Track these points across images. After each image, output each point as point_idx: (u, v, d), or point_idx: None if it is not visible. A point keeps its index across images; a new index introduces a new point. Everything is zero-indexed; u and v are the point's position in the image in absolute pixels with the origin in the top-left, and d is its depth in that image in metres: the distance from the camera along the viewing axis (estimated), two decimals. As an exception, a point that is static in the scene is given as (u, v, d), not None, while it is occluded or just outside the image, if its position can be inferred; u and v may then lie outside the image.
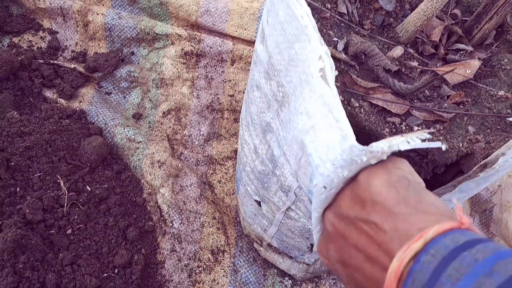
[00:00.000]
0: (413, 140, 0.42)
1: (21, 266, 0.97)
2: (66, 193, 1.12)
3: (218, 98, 1.48)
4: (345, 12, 0.80)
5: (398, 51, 0.79)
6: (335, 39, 0.78)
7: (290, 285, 1.25)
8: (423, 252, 0.34)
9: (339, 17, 0.80)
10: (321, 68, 0.50)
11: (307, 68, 0.56)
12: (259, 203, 1.14)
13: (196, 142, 1.42)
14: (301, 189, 0.77)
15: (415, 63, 0.79)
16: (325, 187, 0.50)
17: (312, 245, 1.14)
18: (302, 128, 0.56)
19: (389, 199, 0.40)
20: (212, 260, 1.22)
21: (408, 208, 0.39)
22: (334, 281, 1.28)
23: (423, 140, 0.42)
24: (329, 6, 0.81)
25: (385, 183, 0.42)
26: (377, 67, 0.75)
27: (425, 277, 0.33)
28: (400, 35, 0.80)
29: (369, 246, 0.40)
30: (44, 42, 1.47)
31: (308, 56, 0.57)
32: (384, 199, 0.40)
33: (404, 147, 0.41)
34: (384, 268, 0.38)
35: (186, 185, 1.30)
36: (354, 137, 0.45)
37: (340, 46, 0.76)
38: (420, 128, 0.71)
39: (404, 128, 0.71)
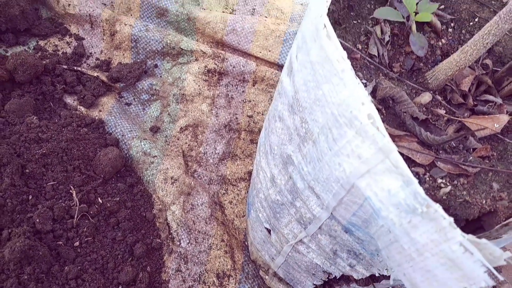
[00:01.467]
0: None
1: (26, 277, 0.96)
2: (78, 204, 1.12)
3: (236, 118, 1.47)
4: (376, 54, 0.79)
5: (426, 97, 0.77)
6: (364, 81, 0.76)
7: (293, 317, 1.23)
8: None
9: (369, 59, 0.79)
10: (369, 114, 0.50)
11: (346, 112, 0.56)
12: (269, 231, 1.12)
13: (211, 161, 1.41)
14: (332, 219, 0.76)
15: (442, 111, 0.77)
16: (390, 231, 0.51)
17: (315, 285, 1.12)
18: (353, 172, 0.56)
19: None
20: (217, 284, 1.20)
21: None
22: (338, 316, 1.25)
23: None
24: (359, 47, 0.79)
25: None
26: (405, 114, 0.74)
27: None
28: (429, 81, 0.78)
29: None
30: (70, 47, 1.48)
31: (344, 100, 0.56)
32: None
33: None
34: None
35: (197, 204, 1.29)
36: (417, 183, 0.46)
37: (369, 89, 0.75)
38: (443, 180, 0.69)
39: (427, 179, 0.69)
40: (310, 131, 0.76)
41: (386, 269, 0.77)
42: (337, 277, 1.02)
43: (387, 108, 0.76)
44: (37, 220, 1.04)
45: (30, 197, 1.08)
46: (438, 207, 0.48)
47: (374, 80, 0.76)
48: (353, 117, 0.57)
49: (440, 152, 0.73)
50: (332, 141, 0.65)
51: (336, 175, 0.64)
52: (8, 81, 1.30)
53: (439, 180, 0.70)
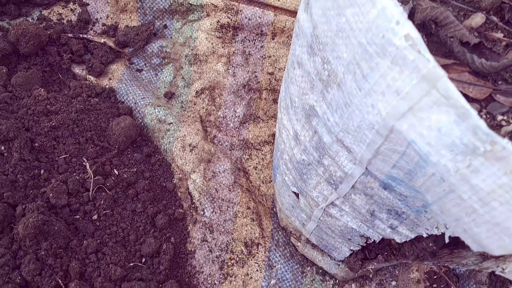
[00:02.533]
0: None
1: (43, 253, 0.92)
2: (92, 176, 1.05)
3: (256, 76, 1.35)
4: (411, -30, 0.65)
5: (478, 19, 0.64)
6: (398, 3, 0.63)
7: (331, 285, 1.14)
8: None
9: (403, -23, 0.65)
10: (407, 34, 0.39)
11: (377, 38, 0.46)
12: (297, 195, 1.02)
13: (231, 125, 1.31)
14: (368, 175, 0.66)
15: (499, 35, 0.63)
16: (443, 180, 0.44)
17: (353, 250, 1.01)
18: (391, 112, 0.47)
19: None
20: (246, 253, 1.12)
21: None
22: (380, 281, 1.16)
23: None
24: (390, -37, 0.65)
25: None
26: (452, 39, 0.60)
27: None
28: (481, -1, 0.64)
29: None
30: (74, 14, 1.39)
31: (374, 23, 0.46)
32: None
33: None
34: None
35: (219, 171, 1.20)
36: (476, 115, 0.38)
37: (405, 12, 0.62)
38: (505, 117, 0.56)
39: (484, 116, 0.56)
40: (333, 73, 0.64)
41: (436, 227, 0.66)
42: (377, 242, 0.92)
43: (429, 36, 0.63)
44: (51, 194, 0.98)
45: (42, 171, 1.02)
46: (506, 143, 0.37)
47: (410, 1, 0.62)
48: (386, 42, 0.47)
49: (499, 82, 0.59)
50: (362, 78, 0.54)
51: (370, 120, 0.54)
52: (13, 53, 1.23)
53: (499, 117, 0.57)
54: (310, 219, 1.02)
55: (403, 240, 0.81)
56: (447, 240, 0.66)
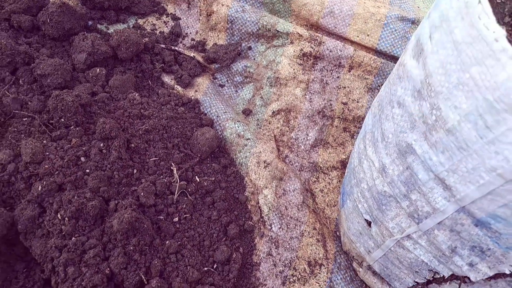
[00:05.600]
0: None
1: (131, 248, 0.98)
2: (178, 181, 1.13)
3: (330, 104, 1.42)
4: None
5: None
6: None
7: (386, 314, 1.17)
8: None
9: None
10: None
11: (506, 97, 0.54)
12: (369, 223, 1.07)
13: (302, 147, 1.38)
14: (461, 213, 0.72)
15: None
16: None
17: (417, 283, 1.05)
18: None
19: None
20: (308, 272, 1.17)
21: None
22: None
23: None
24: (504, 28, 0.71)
25: None
26: None
27: None
28: None
29: None
30: (167, 27, 1.50)
31: (503, 85, 0.54)
32: None
33: None
34: None
35: (289, 190, 1.26)
36: None
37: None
38: None
39: None
40: (442, 119, 0.70)
41: None
42: (445, 277, 0.96)
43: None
44: (142, 193, 1.06)
45: (135, 171, 1.11)
46: None
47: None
48: (516, 103, 0.53)
49: None
50: (485, 128, 0.61)
51: (491, 165, 0.60)
52: (111, 57, 1.34)
53: None
54: (379, 248, 1.07)
55: (479, 278, 0.85)
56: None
